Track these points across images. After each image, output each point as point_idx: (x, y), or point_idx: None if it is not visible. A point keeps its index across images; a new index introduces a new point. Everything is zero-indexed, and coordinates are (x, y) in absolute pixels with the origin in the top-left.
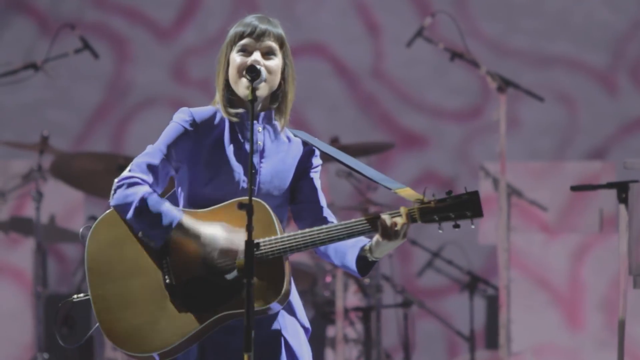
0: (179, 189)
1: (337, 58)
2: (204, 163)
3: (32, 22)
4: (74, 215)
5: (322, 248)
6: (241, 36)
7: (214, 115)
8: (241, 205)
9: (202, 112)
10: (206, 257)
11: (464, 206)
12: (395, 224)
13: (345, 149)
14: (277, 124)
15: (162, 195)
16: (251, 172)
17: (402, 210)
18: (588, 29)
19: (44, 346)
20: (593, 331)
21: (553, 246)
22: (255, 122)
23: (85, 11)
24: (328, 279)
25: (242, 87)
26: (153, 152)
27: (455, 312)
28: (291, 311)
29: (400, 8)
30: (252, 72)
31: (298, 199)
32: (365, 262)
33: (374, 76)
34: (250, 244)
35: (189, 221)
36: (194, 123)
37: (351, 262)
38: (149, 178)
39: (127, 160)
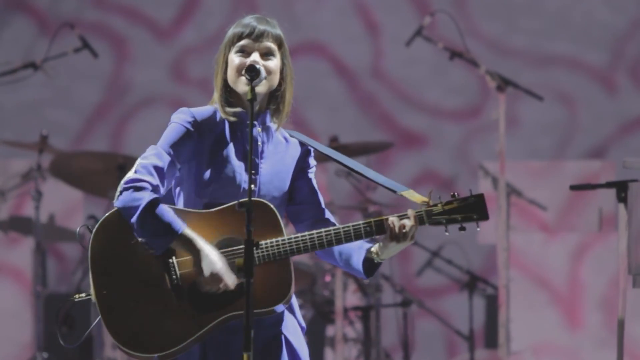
0: (177, 189)
1: (337, 57)
2: (205, 163)
3: (31, 21)
4: (73, 214)
5: (324, 250)
6: (240, 37)
7: (214, 115)
8: (241, 205)
9: (202, 112)
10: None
11: (470, 209)
12: (403, 226)
13: (345, 149)
14: (273, 124)
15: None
16: (251, 172)
17: (410, 212)
18: (587, 28)
19: (44, 345)
20: (592, 330)
21: (552, 245)
22: (255, 122)
23: (84, 10)
24: (327, 278)
25: (241, 85)
26: (159, 154)
27: (455, 311)
28: (291, 310)
29: (400, 7)
30: (252, 72)
31: (297, 200)
32: (371, 264)
33: (373, 75)
34: (250, 244)
35: (191, 235)
36: (195, 123)
37: (357, 264)
38: (156, 180)
39: (127, 160)
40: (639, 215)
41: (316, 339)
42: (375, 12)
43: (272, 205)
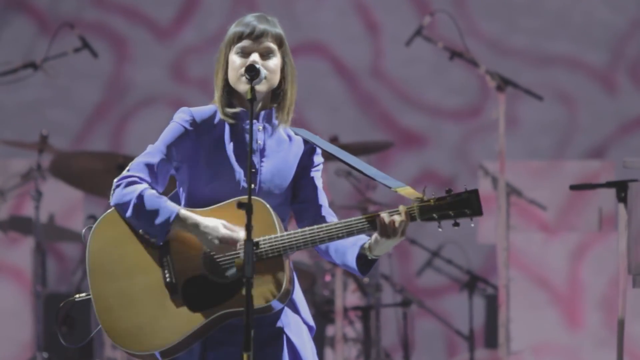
0: (180, 189)
1: (336, 57)
2: (204, 162)
3: (31, 21)
4: (73, 214)
5: (322, 247)
6: (240, 37)
7: (214, 115)
8: (240, 205)
9: (202, 111)
10: (206, 252)
11: (463, 204)
12: (393, 222)
13: (345, 148)
14: (276, 122)
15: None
16: (250, 171)
17: (401, 208)
18: (587, 28)
19: (43, 345)
20: (592, 330)
21: (552, 245)
22: (255, 121)
23: (84, 10)
24: (327, 278)
25: (242, 85)
26: (152, 152)
27: (455, 311)
28: (295, 309)
29: (400, 7)
30: (252, 72)
31: (299, 198)
32: (365, 261)
33: (373, 75)
34: (249, 243)
35: (187, 213)
36: (193, 122)
37: (351, 261)
38: (147, 177)
39: (127, 159)
40: (639, 215)
41: (316, 338)
42: (375, 11)
43: (266, 204)
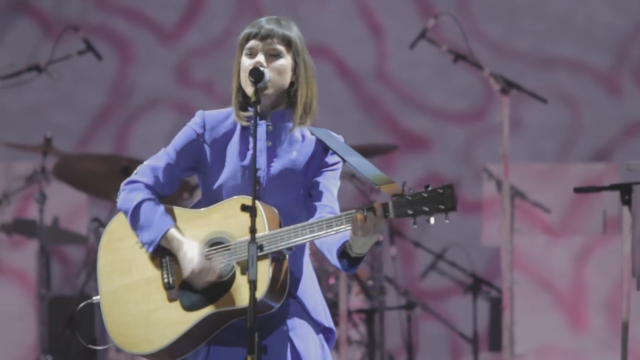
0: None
1: (340, 60)
2: (214, 164)
3: (35, 24)
4: (77, 217)
5: (318, 246)
6: (247, 38)
7: (227, 117)
8: (244, 207)
9: (215, 115)
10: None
11: (437, 200)
12: (365, 219)
13: None
14: (292, 123)
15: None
16: (255, 173)
17: (376, 204)
18: (591, 30)
19: (48, 348)
20: (596, 333)
21: (556, 248)
22: (264, 121)
23: (88, 13)
24: (331, 280)
25: (248, 87)
26: (160, 156)
27: (459, 314)
28: (303, 312)
29: (404, 10)
30: (256, 75)
31: (313, 197)
32: (350, 258)
33: (377, 78)
34: (253, 246)
35: (173, 235)
36: (203, 126)
37: (334, 258)
38: (152, 181)
39: (131, 162)
40: None
41: (328, 342)
42: (379, 14)
43: (258, 203)
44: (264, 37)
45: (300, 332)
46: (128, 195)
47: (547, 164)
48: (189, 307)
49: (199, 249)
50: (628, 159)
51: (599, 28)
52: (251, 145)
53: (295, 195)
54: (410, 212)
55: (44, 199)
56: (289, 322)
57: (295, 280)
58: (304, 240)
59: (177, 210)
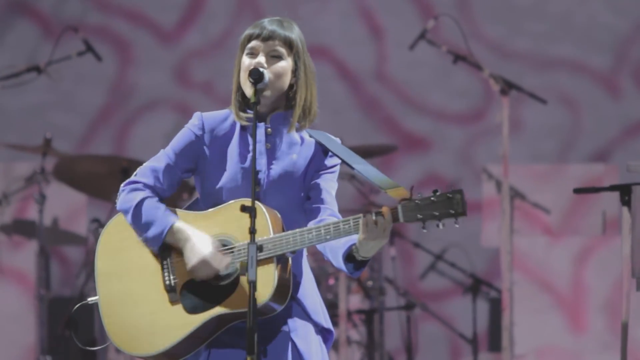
0: (199, 194)
1: (340, 61)
2: (213, 166)
3: (35, 25)
4: (76, 217)
5: (320, 248)
6: (249, 38)
7: (225, 119)
8: (244, 208)
9: (213, 116)
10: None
11: (447, 205)
12: (375, 223)
13: None
14: (290, 125)
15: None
16: (254, 174)
17: (384, 209)
18: (591, 31)
19: (47, 349)
20: (596, 334)
21: (556, 249)
22: (263, 123)
23: (88, 14)
24: (331, 281)
25: (247, 88)
26: (160, 157)
27: (458, 314)
28: (304, 314)
29: (403, 11)
30: (255, 75)
31: (311, 199)
32: (356, 261)
33: (377, 79)
34: (253, 247)
35: (180, 227)
36: (203, 128)
37: (340, 261)
38: (152, 182)
39: (130, 163)
40: None
41: (327, 343)
42: (379, 15)
43: (261, 205)
44: (266, 38)
45: (301, 333)
46: (128, 195)
47: (547, 165)
48: (191, 310)
49: (211, 239)
50: (628, 159)
51: (599, 29)
52: (251, 147)
53: (294, 197)
54: (419, 216)
55: (43, 199)
56: (290, 323)
57: (296, 283)
58: (311, 244)
59: (178, 211)
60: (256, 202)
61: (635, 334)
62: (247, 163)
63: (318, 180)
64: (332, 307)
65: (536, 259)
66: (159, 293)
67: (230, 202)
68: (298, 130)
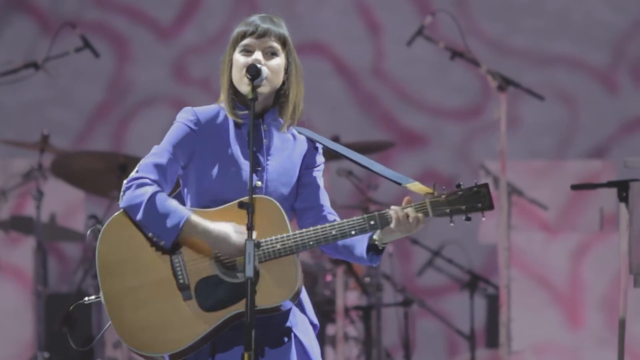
0: (185, 190)
1: (338, 57)
2: (210, 162)
3: (32, 21)
4: (74, 214)
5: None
6: (243, 36)
7: (217, 114)
8: (241, 204)
9: (206, 111)
10: (216, 255)
11: (474, 198)
12: (407, 215)
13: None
14: (281, 122)
15: (169, 195)
16: (252, 170)
17: (406, 202)
18: (588, 28)
19: (44, 345)
20: (593, 330)
21: (553, 245)
22: (260, 120)
23: (85, 10)
24: (328, 277)
25: (244, 85)
26: (159, 152)
27: (456, 311)
28: (301, 308)
29: (401, 7)
30: (253, 71)
31: (301, 198)
32: (375, 250)
33: (374, 75)
34: (250, 243)
35: (197, 219)
36: (198, 122)
37: (362, 253)
38: (157, 177)
39: (128, 159)
40: None
41: (317, 337)
42: (376, 11)
43: (275, 201)
44: (261, 35)
45: (302, 328)
46: (136, 190)
47: (544, 161)
48: (209, 308)
49: (230, 225)
50: (625, 156)
51: (597, 25)
52: (248, 142)
53: (291, 193)
54: (447, 210)
55: (41, 195)
56: (292, 318)
57: None
58: (334, 240)
59: (190, 208)
60: (270, 199)
61: (632, 330)
62: (246, 159)
63: (310, 177)
64: (329, 303)
65: (534, 255)
66: (170, 292)
67: (239, 200)
68: (288, 127)
